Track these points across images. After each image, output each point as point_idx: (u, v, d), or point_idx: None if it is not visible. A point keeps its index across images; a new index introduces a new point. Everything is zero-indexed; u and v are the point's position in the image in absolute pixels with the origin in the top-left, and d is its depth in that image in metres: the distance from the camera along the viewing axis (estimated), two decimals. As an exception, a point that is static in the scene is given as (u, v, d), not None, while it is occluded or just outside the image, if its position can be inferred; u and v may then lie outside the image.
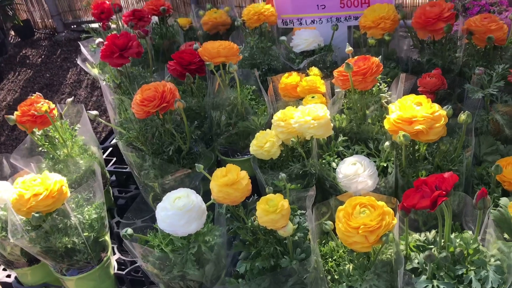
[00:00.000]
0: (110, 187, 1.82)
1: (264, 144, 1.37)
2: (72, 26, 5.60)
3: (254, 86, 1.62)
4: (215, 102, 1.59)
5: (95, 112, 1.48)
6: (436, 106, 1.21)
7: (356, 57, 1.41)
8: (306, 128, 1.30)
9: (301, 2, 1.82)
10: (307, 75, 1.64)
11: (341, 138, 1.41)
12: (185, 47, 2.07)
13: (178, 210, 1.11)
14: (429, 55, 1.58)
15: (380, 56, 1.42)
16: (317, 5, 1.81)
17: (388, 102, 1.44)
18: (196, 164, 1.18)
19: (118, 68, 1.62)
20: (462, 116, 1.20)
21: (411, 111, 1.19)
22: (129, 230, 1.14)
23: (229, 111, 1.58)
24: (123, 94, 1.66)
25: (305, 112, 1.32)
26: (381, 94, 1.41)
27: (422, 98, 1.23)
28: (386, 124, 1.24)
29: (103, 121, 1.52)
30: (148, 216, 1.44)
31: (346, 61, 1.38)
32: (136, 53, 1.58)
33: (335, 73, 1.42)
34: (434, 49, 1.59)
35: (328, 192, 1.39)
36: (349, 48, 1.49)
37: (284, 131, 1.37)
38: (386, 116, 1.25)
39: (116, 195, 1.87)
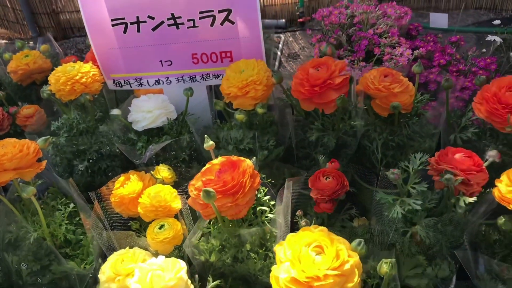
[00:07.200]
0: None
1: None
2: None
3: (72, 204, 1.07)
4: (6, 240, 1.00)
5: None
6: (343, 249, 0.79)
7: (218, 160, 0.93)
8: (150, 309, 0.80)
9: (136, 57, 1.24)
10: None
11: (210, 284, 0.94)
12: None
13: None
14: (318, 130, 1.15)
15: (254, 159, 0.95)
16: (161, 61, 1.26)
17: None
18: None
19: None
20: (384, 267, 0.79)
21: (309, 266, 0.77)
22: None
23: (34, 251, 1.00)
24: None
25: (144, 280, 0.81)
26: (263, 218, 0.95)
27: (321, 237, 0.81)
28: (274, 284, 0.80)
29: None
30: None
31: (203, 181, 0.89)
32: None
33: (191, 191, 0.92)
34: (323, 121, 1.17)
35: None
36: (209, 143, 1.00)
37: (118, 300, 0.86)
38: (273, 270, 0.81)
39: None
